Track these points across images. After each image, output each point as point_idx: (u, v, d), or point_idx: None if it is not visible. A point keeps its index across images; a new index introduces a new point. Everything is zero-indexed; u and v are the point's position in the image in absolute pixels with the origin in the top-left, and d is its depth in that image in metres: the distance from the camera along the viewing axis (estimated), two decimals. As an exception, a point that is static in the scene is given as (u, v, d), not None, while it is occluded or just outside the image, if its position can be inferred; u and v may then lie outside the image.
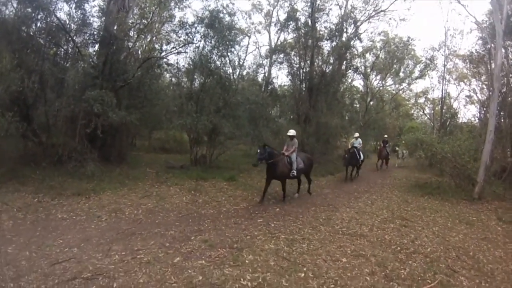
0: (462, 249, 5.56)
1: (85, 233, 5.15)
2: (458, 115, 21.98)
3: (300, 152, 9.18)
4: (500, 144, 11.50)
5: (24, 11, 8.83)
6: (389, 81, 26.19)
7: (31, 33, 9.20)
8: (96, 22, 10.56)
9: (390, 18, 20.05)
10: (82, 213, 6.06)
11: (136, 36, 10.47)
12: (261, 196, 7.98)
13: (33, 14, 9.03)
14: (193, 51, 12.09)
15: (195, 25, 11.55)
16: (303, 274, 4.16)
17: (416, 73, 24.32)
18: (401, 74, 25.06)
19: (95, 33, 10.42)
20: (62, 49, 10.24)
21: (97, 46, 10.54)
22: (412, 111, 30.65)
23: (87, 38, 10.50)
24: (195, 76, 12.77)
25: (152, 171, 10.01)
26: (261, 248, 4.94)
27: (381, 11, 19.42)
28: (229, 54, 12.56)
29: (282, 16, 18.25)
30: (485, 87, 16.17)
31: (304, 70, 15.34)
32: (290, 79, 16.46)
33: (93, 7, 10.53)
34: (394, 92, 27.12)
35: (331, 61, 16.03)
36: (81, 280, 3.66)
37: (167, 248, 4.73)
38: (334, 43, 15.44)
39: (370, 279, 4.17)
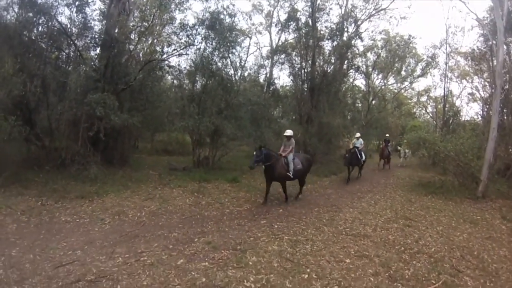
0: (467, 248, 5.54)
1: (89, 235, 5.17)
2: (461, 113, 21.92)
3: (299, 153, 9.12)
4: (504, 141, 11.44)
5: (26, 15, 8.90)
6: (391, 80, 26.13)
7: (33, 38, 9.26)
8: (97, 26, 10.63)
9: (390, 17, 20.10)
10: (85, 216, 6.08)
11: (137, 38, 10.50)
12: (264, 197, 7.97)
13: (35, 19, 9.09)
14: (194, 53, 12.13)
15: (196, 27, 11.58)
16: (306, 275, 4.15)
17: (418, 72, 24.21)
18: (403, 73, 24.97)
19: (96, 36, 10.48)
20: (64, 53, 10.29)
21: (98, 50, 10.60)
22: (414, 110, 30.55)
23: (89, 41, 10.55)
24: (197, 78, 12.78)
25: (155, 173, 10.03)
26: (265, 249, 4.94)
27: (382, 9, 19.44)
28: (230, 55, 12.54)
29: (283, 17, 18.24)
30: (487, 84, 16.09)
31: (306, 70, 15.31)
32: (291, 80, 16.45)
33: (94, 10, 10.57)
34: (396, 91, 27.07)
35: (333, 60, 15.99)
36: (85, 282, 3.66)
37: (171, 250, 4.74)
38: (335, 43, 15.41)
39: (374, 280, 4.16)
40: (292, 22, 15.32)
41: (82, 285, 3.62)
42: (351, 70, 18.86)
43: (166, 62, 11.51)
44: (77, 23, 9.99)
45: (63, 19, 9.75)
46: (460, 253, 5.29)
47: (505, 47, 10.85)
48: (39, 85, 8.52)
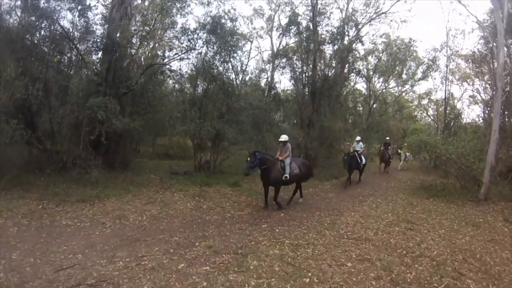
0: (469, 251, 5.50)
1: (90, 239, 5.16)
2: (462, 116, 21.83)
3: (297, 158, 9.05)
4: (505, 144, 11.40)
5: (28, 19, 8.96)
6: (392, 83, 26.05)
7: (35, 41, 9.34)
8: (99, 30, 10.68)
9: (391, 20, 20.07)
10: (86, 220, 6.07)
11: (138, 43, 10.54)
12: (264, 201, 7.93)
13: (37, 23, 9.17)
14: (196, 57, 12.18)
15: (197, 31, 11.63)
16: (308, 280, 4.13)
17: (419, 75, 24.16)
18: (404, 76, 24.92)
19: (98, 40, 10.53)
20: (66, 57, 10.38)
21: (100, 54, 10.67)
22: (415, 113, 30.47)
23: (91, 45, 10.61)
24: (198, 82, 12.83)
25: (156, 177, 10.04)
26: (266, 253, 4.92)
27: (382, 13, 19.42)
28: (231, 59, 12.59)
29: (284, 21, 18.28)
30: (488, 86, 16.07)
31: (307, 74, 15.31)
32: (292, 84, 16.41)
33: (96, 15, 10.64)
34: (397, 94, 27.00)
35: (334, 64, 16.02)
36: (85, 286, 3.66)
37: (172, 254, 4.72)
38: (336, 47, 15.43)
39: (376, 284, 4.13)
40: (293, 26, 15.35)
41: (83, 289, 3.61)
42: (352, 74, 18.83)
43: (168, 66, 11.59)
44: (79, 27, 10.07)
45: (65, 23, 9.85)
46: (463, 256, 5.26)
47: (505, 49, 10.85)
48: (41, 89, 8.56)
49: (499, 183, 10.16)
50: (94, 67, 10.06)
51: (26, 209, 6.20)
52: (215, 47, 11.71)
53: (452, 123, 21.23)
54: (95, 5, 10.38)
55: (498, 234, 6.63)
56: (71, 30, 9.89)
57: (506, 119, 11.98)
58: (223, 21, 11.89)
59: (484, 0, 18.34)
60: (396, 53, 22.94)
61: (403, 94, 27.22)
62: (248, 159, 7.41)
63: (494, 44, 11.67)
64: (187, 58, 11.96)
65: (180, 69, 12.61)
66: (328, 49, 15.91)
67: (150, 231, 5.78)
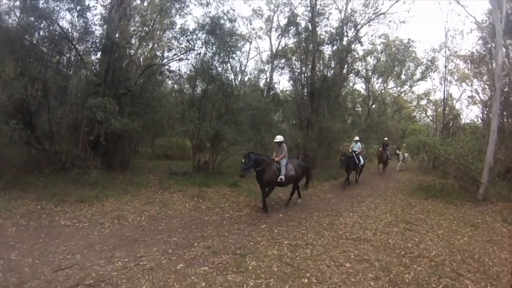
0: (467, 252, 5.52)
1: (88, 240, 5.16)
2: (461, 116, 21.84)
3: (293, 159, 8.98)
4: (504, 144, 11.44)
5: (27, 20, 8.96)
6: (391, 83, 26.09)
7: (34, 42, 9.33)
8: (98, 30, 10.69)
9: (390, 21, 20.22)
10: (85, 220, 6.08)
11: (137, 43, 10.54)
12: (263, 202, 7.89)
13: (36, 23, 9.16)
14: (195, 58, 12.18)
15: (196, 31, 11.62)
16: (306, 280, 4.14)
17: (418, 75, 24.21)
18: (403, 77, 24.95)
19: (97, 41, 10.54)
20: (65, 57, 10.37)
21: (99, 54, 10.67)
22: (414, 114, 30.51)
23: (89, 46, 10.61)
24: (197, 83, 12.81)
25: (155, 177, 10.03)
26: (264, 254, 4.93)
27: (381, 13, 19.53)
28: (230, 60, 12.57)
29: (283, 21, 18.36)
30: (487, 87, 16.12)
31: (306, 75, 15.32)
32: (291, 84, 16.42)
33: (95, 15, 10.64)
34: (396, 94, 27.04)
35: (332, 65, 16.01)
36: (84, 287, 3.66)
37: (170, 254, 4.73)
38: (335, 47, 15.41)
39: (374, 284, 4.14)
40: (292, 27, 15.36)
41: (81, 289, 3.61)
42: (351, 75, 18.83)
43: (167, 66, 11.58)
44: (78, 27, 10.09)
45: (64, 24, 9.88)
46: (461, 256, 5.27)
47: (504, 49, 10.90)
48: (40, 89, 8.56)
49: (497, 183, 10.17)
50: (93, 67, 10.05)
51: (25, 209, 6.19)
52: (214, 48, 11.71)
53: (450, 124, 21.27)
54: (94, 6, 10.40)
55: (496, 234, 6.64)
56: (70, 30, 9.90)
57: (505, 120, 12.02)
58: (222, 21, 11.91)
59: (483, 0, 18.37)
60: (395, 53, 22.98)
61: (402, 94, 27.29)
62: (243, 160, 7.35)
63: (493, 44, 11.72)
64: (186, 59, 11.98)
65: (179, 70, 12.69)
66: (327, 50, 15.93)
67: (148, 232, 5.78)
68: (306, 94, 15.37)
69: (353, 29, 17.07)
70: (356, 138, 13.17)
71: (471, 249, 5.68)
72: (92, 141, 8.94)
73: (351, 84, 21.87)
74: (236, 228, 6.24)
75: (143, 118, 10.39)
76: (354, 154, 12.06)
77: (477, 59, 15.77)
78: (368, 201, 9.50)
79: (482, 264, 4.98)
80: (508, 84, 12.02)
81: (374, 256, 5.07)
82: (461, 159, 10.28)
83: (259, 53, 25.68)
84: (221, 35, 11.39)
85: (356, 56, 18.45)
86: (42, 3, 9.11)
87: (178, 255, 4.70)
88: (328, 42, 15.32)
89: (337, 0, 18.74)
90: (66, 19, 9.93)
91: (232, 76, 13.83)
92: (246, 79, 18.34)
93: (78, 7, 9.76)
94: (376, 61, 23.26)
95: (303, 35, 14.88)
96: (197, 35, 11.61)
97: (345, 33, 16.16)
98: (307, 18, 15.04)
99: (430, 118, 27.73)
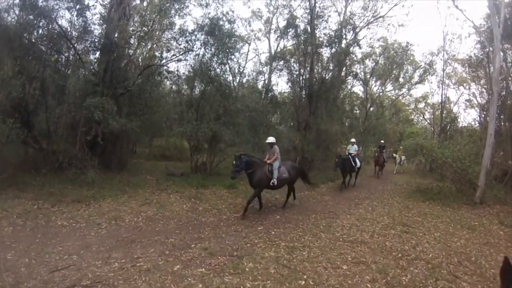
0: (464, 254, 5.54)
1: (85, 240, 5.14)
2: (458, 120, 22.13)
3: (287, 161, 8.86)
4: (501, 147, 11.51)
5: (26, 18, 8.94)
6: (389, 86, 26.26)
7: (33, 40, 9.30)
8: (97, 30, 10.69)
9: (388, 24, 20.28)
10: (82, 220, 6.04)
11: (136, 43, 10.55)
12: (259, 203, 7.87)
13: (35, 21, 9.14)
14: (193, 59, 12.22)
15: (195, 32, 11.65)
16: (303, 282, 4.13)
17: (416, 78, 24.42)
18: (401, 80, 25.13)
19: (96, 40, 10.54)
20: (63, 56, 10.36)
21: (98, 54, 10.68)
22: (412, 116, 30.70)
23: (88, 45, 10.62)
24: (195, 84, 12.82)
25: (152, 178, 10.02)
26: (261, 255, 4.92)
27: (380, 17, 19.64)
28: (229, 61, 12.63)
29: (282, 23, 18.40)
30: (484, 90, 16.28)
31: (304, 77, 15.33)
32: (290, 86, 16.42)
33: (94, 14, 10.66)
34: (394, 97, 27.19)
35: (331, 67, 16.03)
36: (80, 287, 3.64)
37: (167, 256, 4.71)
38: (333, 50, 15.46)
39: (371, 287, 4.15)
40: (291, 29, 15.38)
41: (77, 290, 3.60)
42: (349, 77, 18.95)
43: (165, 67, 11.61)
44: (77, 26, 10.07)
45: (63, 23, 9.85)
46: (458, 259, 5.29)
47: (501, 53, 10.99)
48: (38, 88, 8.56)
49: (494, 186, 10.23)
50: (92, 67, 10.05)
51: (21, 209, 6.16)
52: (212, 49, 11.72)
53: (448, 127, 21.40)
54: (93, 5, 10.42)
55: (493, 237, 6.67)
56: (69, 29, 9.88)
57: (502, 123, 12.08)
58: (221, 23, 11.93)
59: (481, 4, 18.50)
60: (393, 56, 23.12)
61: (400, 97, 27.47)
62: (234, 162, 7.19)
63: (491, 48, 11.80)
64: (185, 60, 12.01)
65: (177, 71, 12.69)
66: (326, 52, 15.96)
67: (145, 233, 5.76)
68: (304, 96, 15.38)
69: (352, 32, 17.11)
70: (352, 140, 13.18)
71: (468, 251, 5.70)
72: (90, 141, 8.93)
73: (349, 87, 22.03)
74: (233, 230, 6.22)
75: (141, 119, 10.39)
76: (350, 156, 12.06)
77: (475, 63, 15.88)
78: (365, 203, 9.51)
79: (479, 267, 5.00)
80: (505, 88, 12.11)
81: (371, 258, 5.07)
82: (458, 162, 10.33)
83: (257, 55, 25.85)
84: (220, 36, 11.41)
85: (355, 58, 18.51)
86: (41, 2, 9.11)
87: (175, 257, 4.68)
88: (327, 44, 15.36)
89: (336, 2, 18.92)
90: (65, 18, 9.93)
91: (230, 78, 13.86)
92: (244, 80, 18.39)
93: (78, 6, 9.75)
94: (374, 64, 23.42)
95: (302, 37, 14.90)
96: (196, 36, 11.66)
97: (344, 36, 16.21)
98: (306, 20, 15.09)
99: (428, 121, 27.91)
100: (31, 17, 9.01)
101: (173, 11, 10.82)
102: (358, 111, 25.70)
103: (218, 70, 12.04)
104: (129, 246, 5.01)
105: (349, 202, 9.61)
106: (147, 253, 4.75)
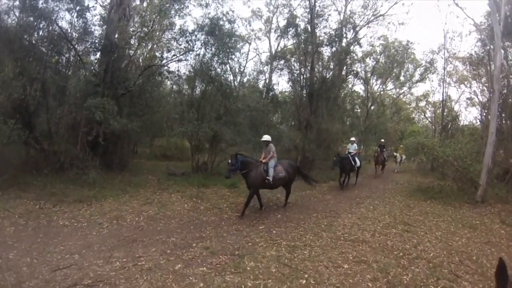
0: (465, 253, 5.52)
1: (86, 240, 5.15)
2: (459, 118, 22.04)
3: (284, 160, 8.72)
4: (502, 146, 11.48)
5: (26, 20, 8.98)
6: (390, 85, 26.19)
7: (33, 42, 9.35)
8: (97, 31, 10.71)
9: (389, 23, 20.28)
10: (83, 220, 6.06)
11: (137, 44, 10.56)
12: (259, 203, 7.86)
13: (35, 23, 9.18)
14: (194, 59, 12.23)
15: (196, 32, 11.67)
16: (304, 281, 4.13)
17: (417, 77, 24.33)
18: (402, 78, 25.04)
19: (96, 41, 10.56)
20: (64, 57, 10.38)
21: (98, 54, 10.69)
22: (413, 115, 30.64)
23: (89, 46, 10.63)
24: (196, 84, 12.85)
25: (153, 178, 10.03)
26: (263, 254, 4.93)
27: (380, 15, 19.63)
28: (229, 61, 12.63)
29: (282, 23, 18.40)
30: (485, 89, 16.22)
31: (305, 76, 15.32)
32: (290, 85, 16.41)
33: (95, 16, 10.68)
34: (394, 96, 27.13)
35: (331, 66, 16.02)
36: (82, 286, 3.66)
37: (169, 255, 4.73)
38: (334, 49, 15.45)
39: (372, 286, 4.14)
40: (291, 28, 15.37)
41: (79, 289, 3.61)
42: (350, 76, 18.92)
43: (166, 67, 11.61)
44: (78, 28, 10.09)
45: (63, 24, 9.89)
46: (459, 258, 5.28)
47: (502, 51, 10.95)
48: (39, 89, 8.56)
49: (496, 185, 10.21)
50: (92, 67, 10.07)
51: (23, 209, 6.18)
52: (213, 49, 11.74)
53: (449, 125, 21.34)
54: (93, 6, 10.42)
55: (494, 236, 6.66)
56: (69, 30, 9.92)
57: (503, 122, 12.05)
58: (221, 22, 11.94)
59: (482, 3, 18.46)
60: (394, 55, 23.06)
61: (401, 96, 27.38)
62: (229, 161, 7.09)
63: (491, 46, 11.77)
64: (185, 60, 12.02)
65: (178, 71, 12.69)
66: (326, 51, 15.95)
67: (147, 232, 5.77)
68: (305, 95, 15.37)
69: (352, 30, 17.11)
70: (352, 139, 13.15)
71: (469, 250, 5.69)
72: (91, 141, 8.95)
73: (350, 86, 22.02)
74: (235, 229, 6.23)
75: (142, 119, 10.40)
76: (349, 155, 12.02)
77: (475, 61, 15.86)
78: (366, 202, 9.50)
79: (480, 266, 4.99)
80: (506, 86, 12.08)
81: (372, 257, 5.07)
82: (460, 160, 10.30)
83: (258, 54, 25.89)
84: (220, 36, 11.42)
85: (355, 57, 18.52)
86: (42, 3, 9.13)
87: (177, 256, 4.70)
88: (327, 43, 15.35)
89: (336, 1, 18.92)
90: (65, 19, 9.97)
91: (231, 77, 13.86)
92: (245, 80, 18.36)
93: (78, 7, 9.77)
94: (375, 62, 23.37)
95: (302, 37, 14.89)
96: (196, 36, 11.67)
97: (344, 35, 16.22)
98: (306, 19, 15.07)
99: (429, 119, 27.85)
100: (31, 18, 9.05)
101: (173, 12, 10.84)
102: (359, 110, 25.68)
103: (218, 70, 12.07)
104: (130, 245, 5.03)
105: (350, 201, 9.60)
106: (148, 252, 4.77)
